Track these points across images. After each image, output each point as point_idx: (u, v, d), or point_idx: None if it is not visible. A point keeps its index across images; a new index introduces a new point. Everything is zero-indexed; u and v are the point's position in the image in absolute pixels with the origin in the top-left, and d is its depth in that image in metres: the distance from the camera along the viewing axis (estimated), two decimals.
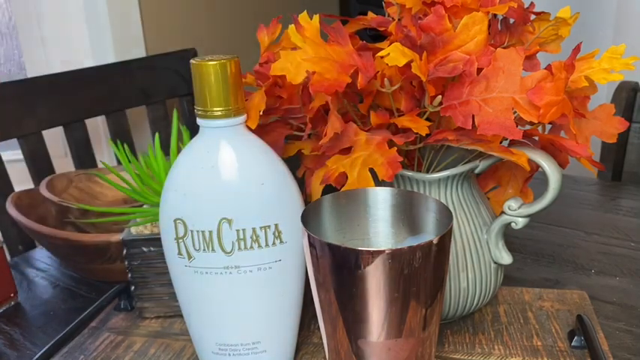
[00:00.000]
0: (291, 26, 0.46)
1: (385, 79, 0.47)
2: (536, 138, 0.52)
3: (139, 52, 1.35)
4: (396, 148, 0.46)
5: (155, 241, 0.55)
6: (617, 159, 1.02)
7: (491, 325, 0.54)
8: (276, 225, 0.45)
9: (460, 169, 0.49)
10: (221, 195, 0.44)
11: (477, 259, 0.51)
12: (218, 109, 0.43)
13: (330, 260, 0.39)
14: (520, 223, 0.50)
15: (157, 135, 0.63)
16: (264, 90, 0.48)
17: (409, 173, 0.50)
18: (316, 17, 0.46)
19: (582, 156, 0.49)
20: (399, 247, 0.38)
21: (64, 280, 0.68)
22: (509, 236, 0.52)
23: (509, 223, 0.51)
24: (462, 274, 0.51)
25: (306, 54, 0.44)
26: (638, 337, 0.53)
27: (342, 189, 0.47)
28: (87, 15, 1.29)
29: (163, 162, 0.59)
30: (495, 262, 0.52)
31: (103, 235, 0.60)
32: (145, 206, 0.61)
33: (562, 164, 0.52)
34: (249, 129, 0.46)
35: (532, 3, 0.53)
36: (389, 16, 0.53)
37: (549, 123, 0.50)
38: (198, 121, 0.44)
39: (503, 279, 0.55)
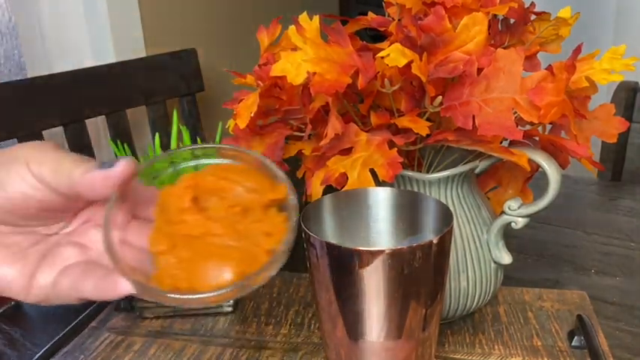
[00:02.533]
0: (292, 27, 0.46)
1: (385, 79, 0.47)
2: (537, 138, 0.52)
3: (139, 52, 1.35)
4: (396, 149, 0.46)
5: None
6: (617, 159, 1.02)
7: (491, 325, 0.54)
8: None
9: (460, 169, 0.49)
10: None
11: (477, 259, 0.51)
12: None
13: (330, 260, 0.39)
14: (520, 223, 0.50)
15: (157, 135, 0.63)
16: (260, 91, 0.48)
17: (409, 173, 0.50)
18: (316, 18, 0.46)
19: (582, 156, 0.49)
20: (399, 247, 0.38)
21: None
22: (509, 236, 0.52)
23: (509, 223, 0.51)
24: (462, 274, 0.50)
25: (306, 55, 0.44)
26: (638, 337, 0.53)
27: (343, 190, 0.47)
28: (87, 15, 1.29)
29: None
30: (495, 262, 0.52)
31: None
32: None
33: (562, 164, 0.52)
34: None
35: (532, 3, 0.52)
36: (389, 16, 0.53)
37: (550, 123, 0.50)
38: None
39: (503, 279, 0.55)
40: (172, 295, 0.32)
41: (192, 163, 0.37)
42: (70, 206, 0.37)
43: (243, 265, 0.33)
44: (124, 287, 0.33)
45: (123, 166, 0.33)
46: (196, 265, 0.33)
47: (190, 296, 0.32)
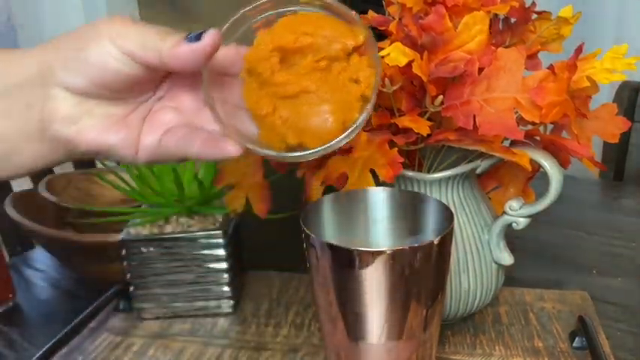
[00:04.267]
0: None
1: (386, 78, 0.46)
2: (538, 138, 0.52)
3: None
4: (396, 149, 0.46)
5: (154, 241, 0.55)
6: (618, 159, 1.02)
7: (492, 325, 0.54)
8: None
9: (461, 169, 0.49)
10: None
11: (478, 259, 0.51)
12: None
13: (330, 260, 0.39)
14: (521, 223, 0.50)
15: None
16: None
17: (410, 173, 0.50)
18: None
19: (584, 156, 0.49)
20: (399, 247, 0.38)
21: (63, 280, 0.67)
22: (510, 236, 0.52)
23: (511, 224, 0.50)
24: (463, 274, 0.50)
25: None
26: None
27: (343, 190, 0.46)
28: (85, 14, 1.28)
29: None
30: (496, 263, 0.52)
31: (102, 236, 0.60)
32: (143, 206, 0.60)
33: (564, 164, 0.52)
34: None
35: (533, 2, 0.52)
36: (389, 15, 0.53)
37: (551, 123, 0.50)
38: None
39: (504, 279, 0.54)
40: (286, 154, 0.36)
41: (266, 14, 0.38)
42: (157, 77, 0.38)
43: (343, 116, 0.36)
44: (232, 148, 0.35)
45: (210, 38, 0.33)
46: (301, 123, 0.36)
47: (304, 152, 0.36)
